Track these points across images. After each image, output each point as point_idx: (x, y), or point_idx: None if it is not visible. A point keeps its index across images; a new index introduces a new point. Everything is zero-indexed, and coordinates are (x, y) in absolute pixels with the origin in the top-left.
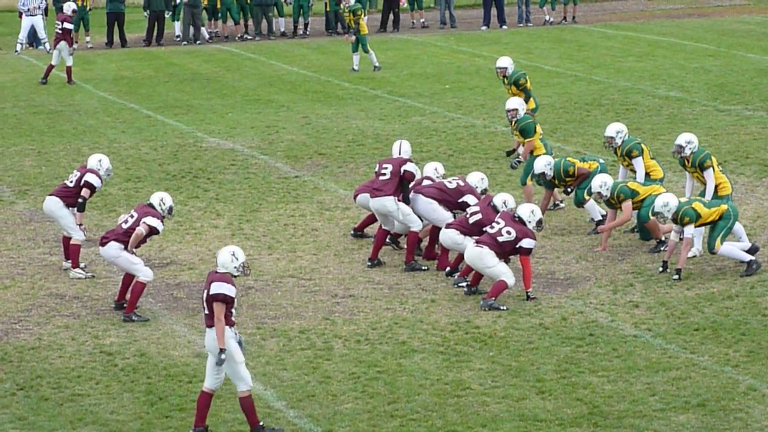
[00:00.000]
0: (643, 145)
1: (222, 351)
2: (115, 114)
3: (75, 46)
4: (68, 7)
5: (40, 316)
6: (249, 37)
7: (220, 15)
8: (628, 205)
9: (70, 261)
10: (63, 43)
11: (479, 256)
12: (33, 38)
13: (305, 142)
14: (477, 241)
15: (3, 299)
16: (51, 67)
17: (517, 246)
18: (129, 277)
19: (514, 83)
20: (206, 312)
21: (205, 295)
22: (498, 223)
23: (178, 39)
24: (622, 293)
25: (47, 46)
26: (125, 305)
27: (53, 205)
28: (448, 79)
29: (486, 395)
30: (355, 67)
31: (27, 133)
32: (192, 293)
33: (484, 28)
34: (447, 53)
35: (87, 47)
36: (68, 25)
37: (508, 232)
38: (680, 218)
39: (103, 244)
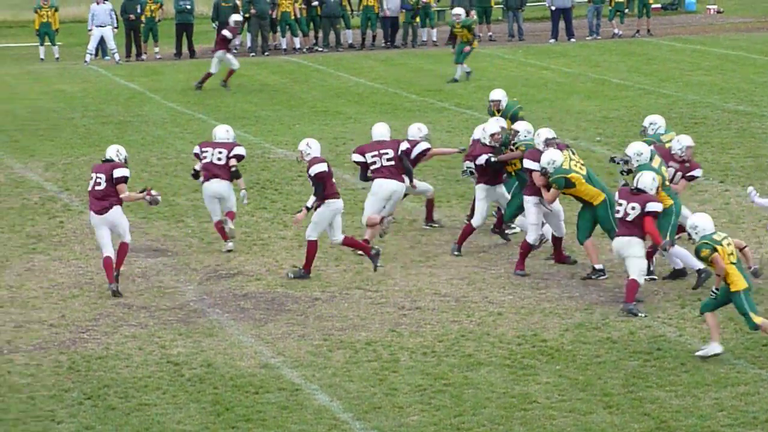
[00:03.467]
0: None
1: None
2: (183, 125)
3: (234, 52)
4: (232, 19)
5: (108, 325)
6: (318, 49)
7: (289, 27)
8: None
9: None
10: (220, 52)
11: (628, 243)
12: (102, 49)
13: None
14: (619, 233)
15: (71, 308)
16: (209, 75)
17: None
18: (110, 261)
19: (511, 118)
20: None
21: None
22: (620, 204)
23: (241, 48)
24: (690, 308)
25: (116, 56)
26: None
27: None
28: (515, 92)
29: (552, 409)
30: (467, 70)
31: (96, 143)
32: (259, 304)
33: (552, 41)
34: (515, 66)
35: (155, 58)
36: (227, 34)
37: (633, 209)
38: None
39: (103, 211)
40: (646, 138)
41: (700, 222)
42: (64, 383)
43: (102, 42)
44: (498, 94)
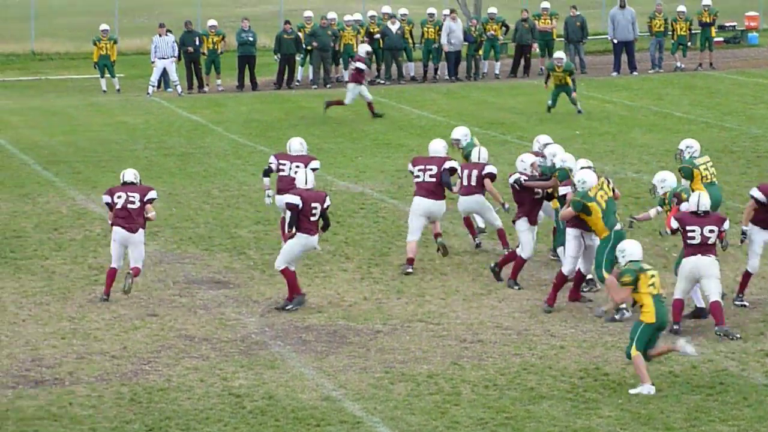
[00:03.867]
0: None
1: None
2: (245, 157)
3: (364, 84)
4: (362, 49)
5: (170, 357)
6: (380, 81)
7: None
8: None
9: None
10: (352, 84)
11: (712, 264)
12: (164, 81)
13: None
14: (703, 253)
15: (133, 340)
16: (340, 102)
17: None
18: (114, 273)
19: (466, 156)
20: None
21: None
22: (693, 230)
23: (303, 82)
24: (753, 342)
25: (178, 88)
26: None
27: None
28: (578, 124)
29: None
30: (579, 110)
31: (158, 174)
32: (320, 336)
33: (614, 74)
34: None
35: (218, 90)
36: (360, 65)
37: (711, 231)
38: None
39: (134, 229)
40: (681, 162)
41: (628, 247)
42: (125, 415)
43: (164, 74)
44: (457, 133)
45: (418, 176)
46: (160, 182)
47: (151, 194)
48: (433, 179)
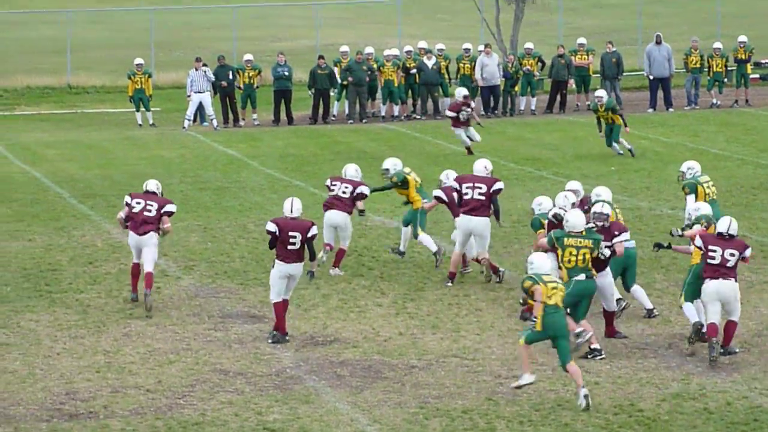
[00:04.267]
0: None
1: None
2: (281, 191)
3: (470, 126)
4: (459, 93)
5: (204, 391)
6: (416, 116)
7: (390, 94)
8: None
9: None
10: (459, 130)
11: (735, 288)
12: (200, 115)
13: None
14: (722, 275)
15: (167, 374)
16: (468, 147)
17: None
18: (137, 268)
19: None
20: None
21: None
22: (714, 251)
23: (339, 116)
24: None
25: (214, 122)
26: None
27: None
28: (613, 161)
29: None
30: (629, 147)
31: (193, 208)
32: (355, 371)
33: (650, 110)
34: None
35: (254, 124)
36: (450, 113)
37: (732, 255)
38: None
39: (145, 233)
40: (685, 181)
41: (536, 260)
42: None
43: (200, 108)
44: (387, 163)
45: (466, 193)
46: (195, 216)
47: (170, 207)
48: (483, 197)
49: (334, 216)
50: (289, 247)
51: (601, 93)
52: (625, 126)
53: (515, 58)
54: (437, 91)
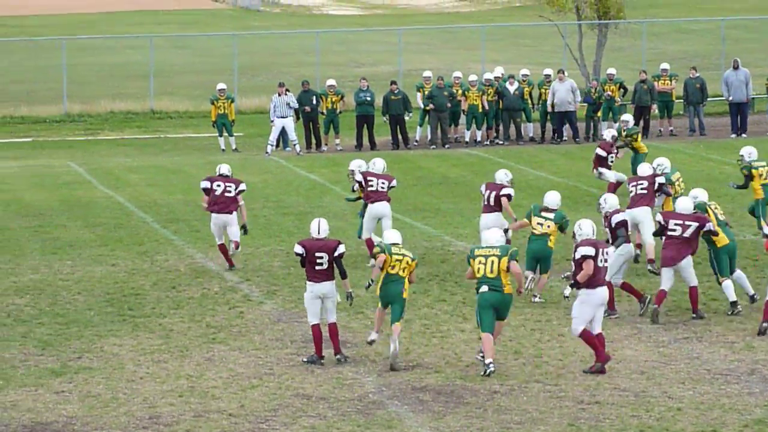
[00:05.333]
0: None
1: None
2: None
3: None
4: (607, 134)
5: (287, 416)
6: (499, 142)
7: (474, 119)
8: None
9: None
10: (601, 169)
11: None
12: (283, 140)
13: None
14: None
15: (250, 398)
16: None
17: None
18: (225, 247)
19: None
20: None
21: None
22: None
23: (421, 142)
24: None
25: (297, 148)
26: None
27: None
28: (697, 186)
29: None
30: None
31: (276, 233)
32: (438, 396)
33: (733, 135)
34: (696, 161)
35: (336, 149)
36: (601, 152)
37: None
38: None
39: (224, 212)
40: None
41: (387, 235)
42: None
43: (283, 133)
44: (353, 164)
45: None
46: (278, 241)
47: (242, 186)
48: (645, 191)
49: (381, 207)
50: (317, 267)
51: (627, 117)
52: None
53: (598, 83)
54: (520, 117)
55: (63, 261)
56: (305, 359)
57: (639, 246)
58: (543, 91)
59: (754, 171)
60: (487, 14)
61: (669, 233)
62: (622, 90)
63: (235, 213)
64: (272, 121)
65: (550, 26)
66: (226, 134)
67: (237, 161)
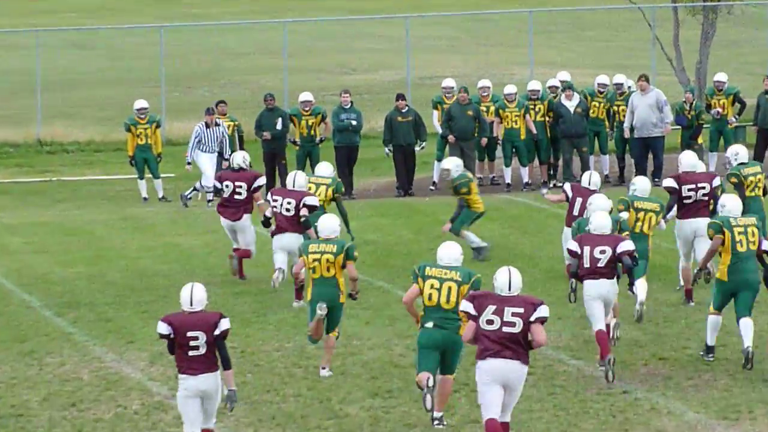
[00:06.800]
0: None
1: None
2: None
3: None
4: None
5: None
6: (558, 184)
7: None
8: None
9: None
10: None
11: None
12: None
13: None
14: None
15: None
16: None
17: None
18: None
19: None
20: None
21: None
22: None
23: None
24: None
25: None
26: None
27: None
28: None
29: None
30: None
31: (230, 320)
32: None
33: None
34: None
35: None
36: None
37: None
38: None
39: (236, 218)
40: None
41: (323, 222)
42: None
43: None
44: (448, 164)
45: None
46: (231, 335)
47: (259, 181)
48: (706, 197)
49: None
50: (191, 354)
51: (737, 149)
52: None
53: (693, 96)
54: (585, 146)
55: None
56: None
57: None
58: (617, 108)
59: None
60: None
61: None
62: (737, 105)
63: (246, 217)
64: (189, 163)
65: (632, 10)
66: (149, 175)
67: (166, 215)
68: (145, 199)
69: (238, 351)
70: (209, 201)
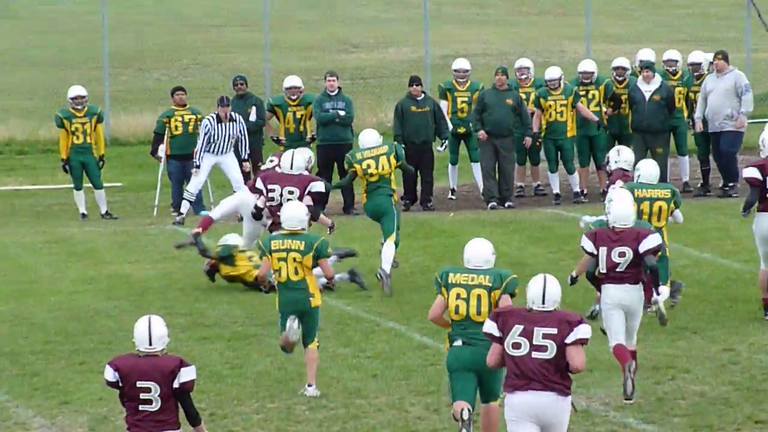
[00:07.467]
0: None
1: None
2: (362, 331)
3: None
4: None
5: None
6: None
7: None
8: None
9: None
10: None
11: None
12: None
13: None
14: None
15: None
16: None
17: None
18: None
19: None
20: None
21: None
22: None
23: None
24: None
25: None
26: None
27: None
28: None
29: None
30: None
31: (197, 370)
32: None
33: None
34: None
35: None
36: None
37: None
38: None
39: None
40: None
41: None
42: None
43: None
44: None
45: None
46: (198, 393)
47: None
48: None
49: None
50: (142, 408)
51: None
52: None
53: None
54: (661, 145)
55: None
56: None
57: None
58: (694, 93)
59: None
60: None
61: None
62: None
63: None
64: (197, 166)
65: None
66: (89, 184)
67: (110, 237)
68: (83, 215)
69: (206, 413)
70: (180, 215)
